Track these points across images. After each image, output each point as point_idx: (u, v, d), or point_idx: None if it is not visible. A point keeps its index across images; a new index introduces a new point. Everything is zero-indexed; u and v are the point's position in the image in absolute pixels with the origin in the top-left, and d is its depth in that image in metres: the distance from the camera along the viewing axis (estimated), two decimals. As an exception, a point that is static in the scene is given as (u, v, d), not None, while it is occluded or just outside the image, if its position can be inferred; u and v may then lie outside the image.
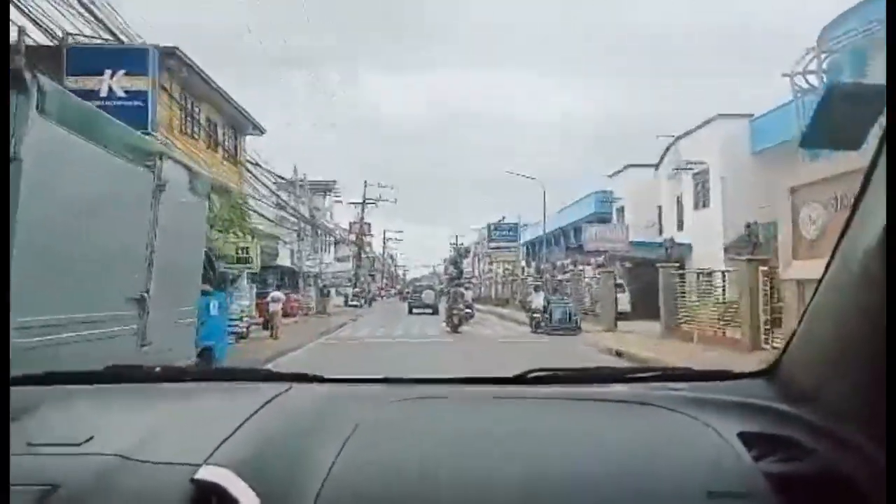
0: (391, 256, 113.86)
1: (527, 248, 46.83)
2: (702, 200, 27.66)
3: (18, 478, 1.04)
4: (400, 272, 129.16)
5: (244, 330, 18.10)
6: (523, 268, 44.55)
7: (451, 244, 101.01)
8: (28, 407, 1.31)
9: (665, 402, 1.33)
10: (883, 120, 0.93)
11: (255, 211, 26.44)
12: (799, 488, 1.05)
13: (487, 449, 1.18)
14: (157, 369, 1.83)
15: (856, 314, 1.03)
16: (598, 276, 26.33)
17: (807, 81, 19.17)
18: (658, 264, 20.94)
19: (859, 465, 1.02)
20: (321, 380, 1.65)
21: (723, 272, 17.82)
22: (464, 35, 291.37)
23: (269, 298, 22.74)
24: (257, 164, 29.11)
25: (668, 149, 30.78)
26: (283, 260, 37.40)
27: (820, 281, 1.15)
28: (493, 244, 44.86)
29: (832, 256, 1.10)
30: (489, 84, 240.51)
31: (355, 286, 53.75)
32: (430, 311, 34.65)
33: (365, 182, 55.46)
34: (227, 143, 26.49)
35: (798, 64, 19.00)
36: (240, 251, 20.20)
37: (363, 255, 59.20)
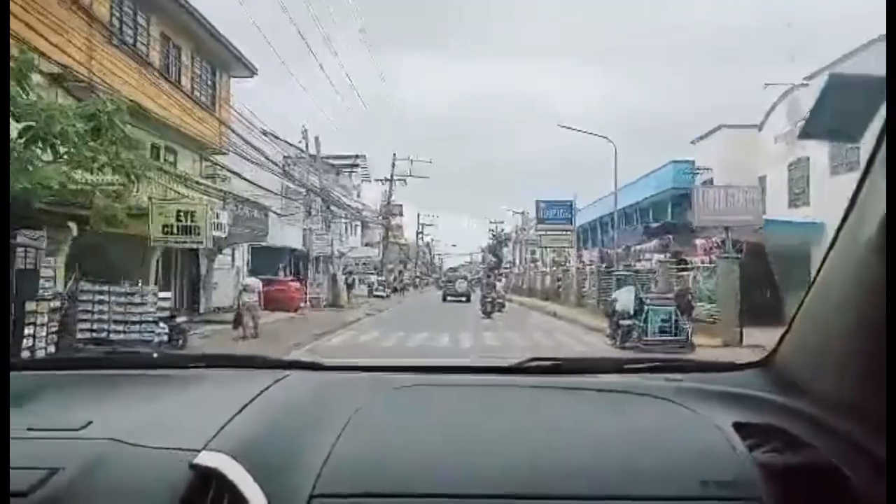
0: (427, 245, 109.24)
1: (577, 233, 39.40)
2: (844, 163, 19.98)
3: (19, 461, 1.03)
4: (436, 261, 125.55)
5: (164, 336, 11.24)
6: (580, 255, 37.19)
7: (489, 231, 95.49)
8: (28, 392, 1.32)
9: (662, 392, 1.34)
10: (882, 111, 0.91)
11: (224, 167, 19.94)
12: (791, 478, 1.06)
13: (485, 437, 1.18)
14: (155, 356, 2.03)
15: (850, 307, 1.04)
16: (699, 263, 19.04)
17: None
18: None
19: (853, 455, 1.02)
20: (320, 367, 1.68)
21: None
22: (501, 21, 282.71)
23: (240, 287, 16.42)
24: (259, 132, 22.61)
25: (779, 100, 23.36)
26: (292, 241, 31.11)
27: (816, 273, 1.17)
28: (542, 226, 37.33)
29: (829, 249, 1.11)
30: (527, 70, 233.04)
31: (381, 274, 47.08)
32: (463, 298, 37.32)
33: (394, 155, 48.65)
34: (198, 79, 19.92)
35: None
36: (182, 217, 13.58)
37: (391, 238, 52.40)
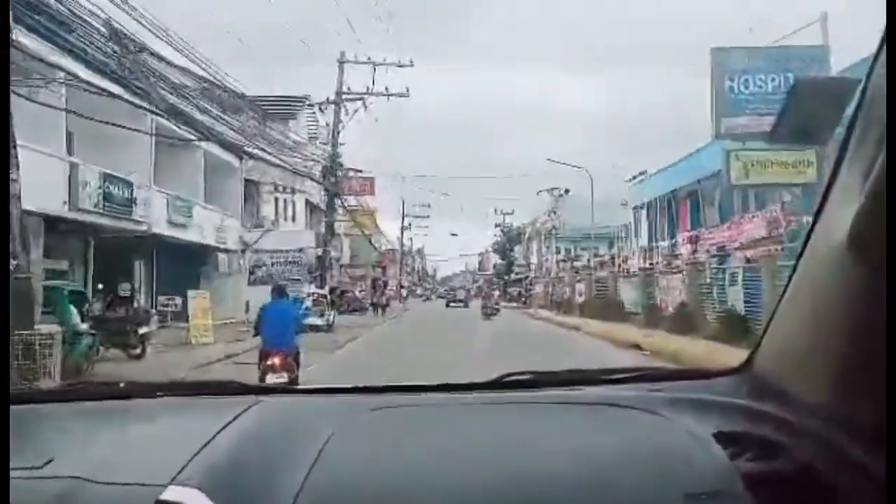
0: (418, 251, 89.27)
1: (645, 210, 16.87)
2: None
3: None
4: (429, 268, 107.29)
5: None
6: (695, 239, 15.18)
7: (496, 225, 73.60)
8: None
9: (640, 403, 1.31)
10: (848, 112, 0.93)
11: None
12: (775, 487, 1.05)
13: (464, 456, 1.17)
14: (121, 385, 1.81)
15: (826, 310, 1.04)
16: None
17: None
18: None
19: (835, 461, 1.02)
20: (291, 391, 1.67)
21: None
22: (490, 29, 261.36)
23: None
24: None
25: None
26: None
27: (790, 276, 1.17)
28: (732, 122, 14.44)
29: (801, 250, 1.12)
30: (518, 75, 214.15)
31: (321, 283, 24.77)
32: (462, 304, 48.82)
33: (342, 55, 26.33)
34: None
35: None
36: None
37: (337, 211, 29.77)
